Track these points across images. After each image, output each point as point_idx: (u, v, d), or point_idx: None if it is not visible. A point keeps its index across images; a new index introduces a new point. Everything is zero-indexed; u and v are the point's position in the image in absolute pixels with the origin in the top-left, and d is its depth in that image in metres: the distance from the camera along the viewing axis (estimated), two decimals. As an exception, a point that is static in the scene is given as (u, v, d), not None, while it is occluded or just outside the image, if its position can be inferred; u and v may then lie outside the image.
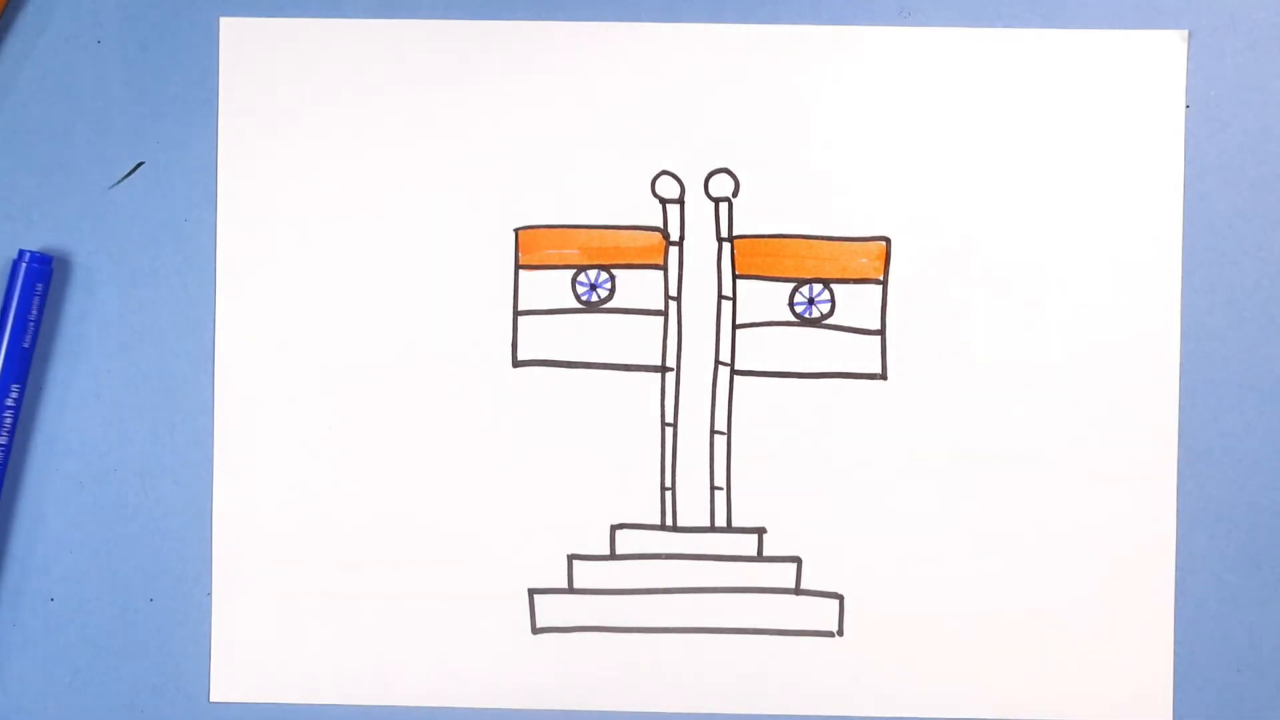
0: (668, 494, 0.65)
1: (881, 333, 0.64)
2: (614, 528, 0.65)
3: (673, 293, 0.65)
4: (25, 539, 0.65)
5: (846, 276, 0.64)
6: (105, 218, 0.65)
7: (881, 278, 0.64)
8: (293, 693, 0.65)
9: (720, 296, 0.65)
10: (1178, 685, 0.64)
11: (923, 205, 0.64)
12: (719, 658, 0.64)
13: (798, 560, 0.64)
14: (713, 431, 0.64)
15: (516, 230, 0.65)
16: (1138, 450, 0.64)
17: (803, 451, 0.64)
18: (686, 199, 0.65)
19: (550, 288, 0.65)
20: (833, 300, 0.64)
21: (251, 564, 0.64)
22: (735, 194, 0.64)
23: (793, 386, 0.64)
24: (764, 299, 0.64)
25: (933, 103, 0.64)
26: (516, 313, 0.65)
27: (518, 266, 0.65)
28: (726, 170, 0.65)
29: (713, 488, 0.65)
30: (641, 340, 0.65)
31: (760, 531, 0.64)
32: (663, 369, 0.65)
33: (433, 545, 0.64)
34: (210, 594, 0.65)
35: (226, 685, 0.65)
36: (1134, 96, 0.64)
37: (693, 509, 0.64)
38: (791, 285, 0.64)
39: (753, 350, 0.64)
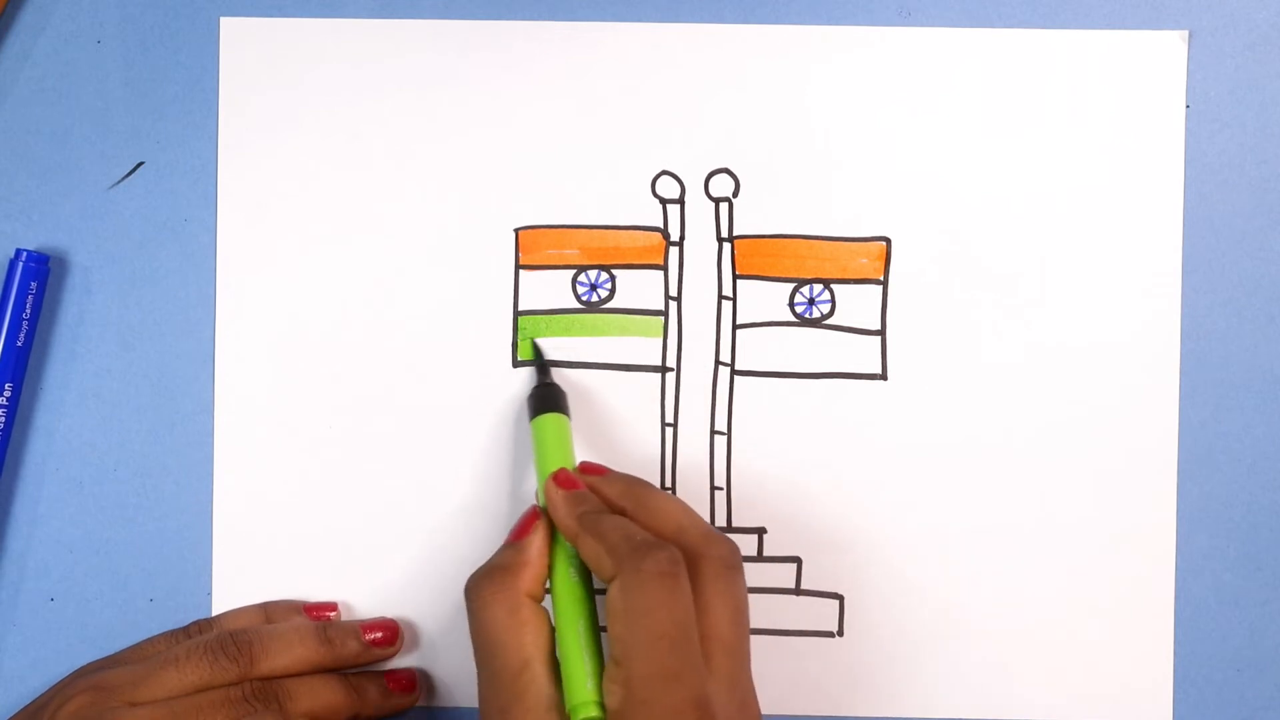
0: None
1: (881, 333, 0.64)
2: (614, 528, 0.65)
3: (673, 293, 0.65)
4: (25, 539, 0.65)
5: (846, 276, 0.64)
6: (105, 218, 0.65)
7: (881, 278, 0.64)
8: (293, 693, 0.65)
9: (720, 296, 0.64)
10: (1178, 685, 0.64)
11: (923, 205, 0.64)
12: (719, 658, 0.64)
13: (798, 560, 0.64)
14: (713, 431, 0.64)
15: (516, 230, 0.65)
16: (1138, 450, 0.64)
17: (803, 451, 0.64)
18: (686, 199, 0.65)
19: (550, 288, 0.65)
20: (833, 300, 0.64)
21: (251, 564, 0.64)
22: (735, 194, 0.64)
23: (793, 386, 0.64)
24: (764, 299, 0.64)
25: (933, 103, 0.64)
26: (516, 313, 0.65)
27: (518, 266, 0.65)
28: (726, 170, 0.65)
29: (713, 488, 0.64)
30: (641, 340, 0.65)
31: (760, 531, 0.64)
32: (663, 369, 0.65)
33: (433, 545, 0.64)
34: (210, 594, 0.64)
35: (226, 685, 0.65)
36: (1134, 96, 0.64)
37: (693, 509, 0.64)
38: (791, 285, 0.64)
39: (753, 350, 0.64)
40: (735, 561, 0.55)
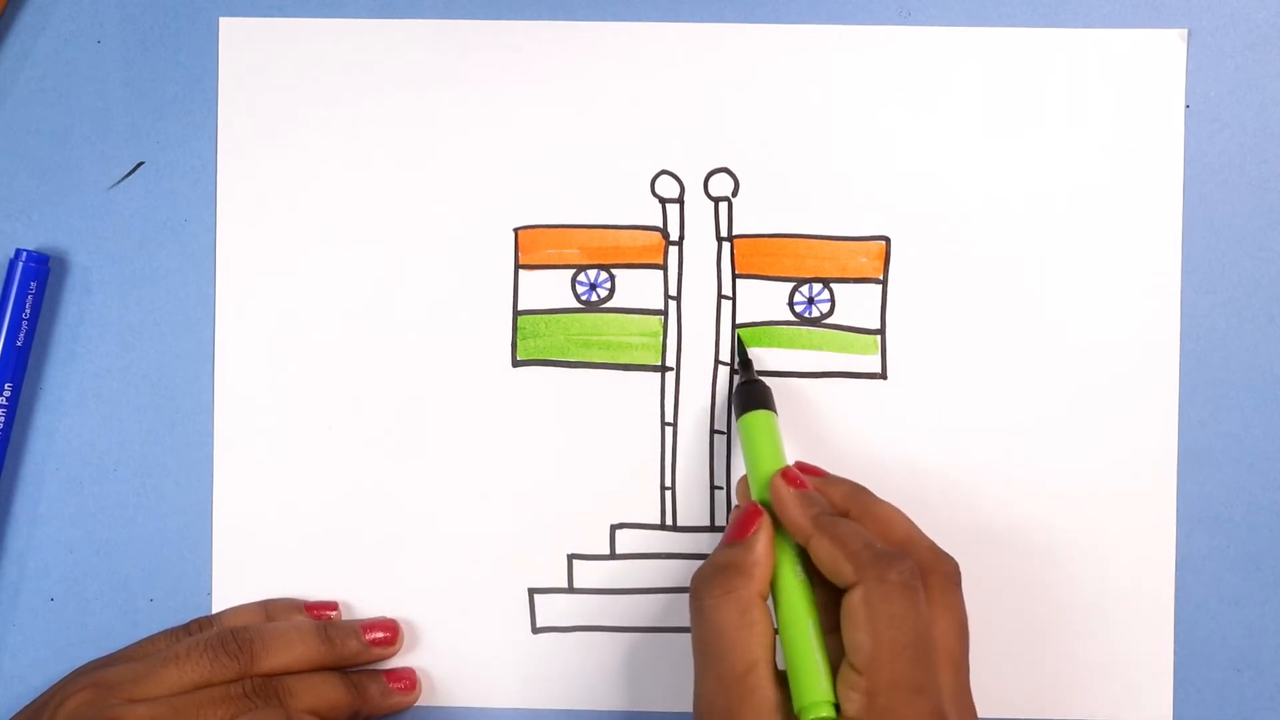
0: (668, 494, 0.65)
1: (881, 332, 0.64)
2: (614, 527, 0.65)
3: (672, 292, 0.65)
4: (25, 539, 0.65)
5: (846, 276, 0.64)
6: (105, 218, 0.65)
7: (881, 277, 0.64)
8: (292, 693, 0.65)
9: (720, 296, 0.64)
10: (1178, 685, 0.64)
11: (922, 204, 0.64)
12: (719, 657, 0.64)
13: (798, 560, 0.64)
14: (713, 431, 0.64)
15: (516, 230, 0.65)
16: (1138, 450, 0.64)
17: (802, 451, 0.64)
18: (686, 199, 0.65)
19: (550, 287, 0.65)
20: (832, 300, 0.64)
21: (251, 564, 0.64)
22: (735, 194, 0.64)
23: (793, 386, 0.64)
24: (764, 298, 0.64)
25: (933, 102, 0.64)
26: (516, 312, 0.65)
27: (518, 266, 0.65)
28: (726, 170, 0.65)
29: (712, 487, 0.65)
30: (641, 339, 0.65)
31: (760, 531, 0.64)
32: (662, 368, 0.65)
33: (433, 545, 0.64)
34: (210, 594, 0.65)
35: (226, 685, 0.65)
36: (1134, 96, 0.64)
37: (692, 509, 0.64)
38: (791, 285, 0.64)
39: (753, 350, 0.64)
40: (958, 577, 0.56)
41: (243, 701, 0.59)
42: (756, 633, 0.55)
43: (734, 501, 0.64)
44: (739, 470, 0.64)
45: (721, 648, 0.54)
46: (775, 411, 0.61)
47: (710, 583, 0.56)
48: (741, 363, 0.64)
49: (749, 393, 0.62)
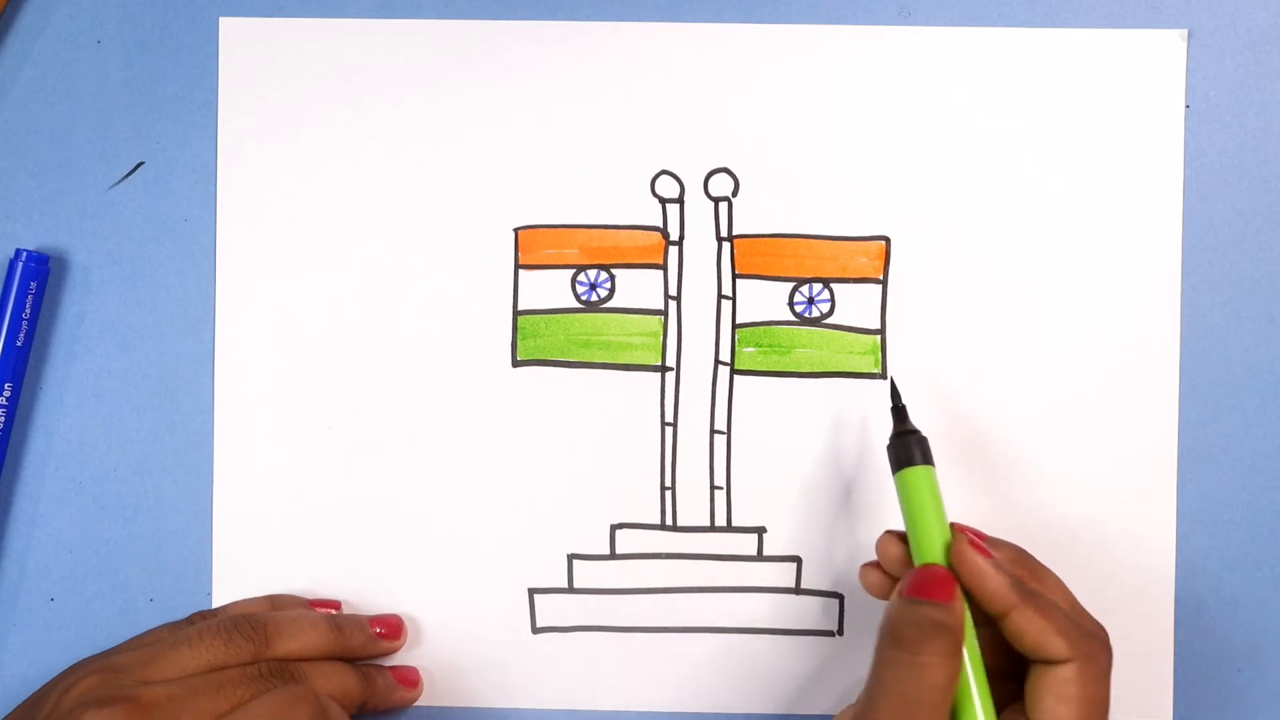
0: (668, 494, 0.65)
1: (881, 332, 0.64)
2: (614, 527, 0.65)
3: (672, 292, 0.65)
4: (25, 539, 0.65)
5: (846, 276, 0.64)
6: (105, 218, 0.65)
7: (881, 277, 0.64)
8: (292, 693, 0.65)
9: (720, 296, 0.65)
10: (1178, 685, 0.64)
11: (922, 204, 0.64)
12: (719, 657, 0.64)
13: (798, 560, 0.64)
14: (713, 431, 0.64)
15: (516, 230, 0.65)
16: (1138, 450, 0.64)
17: (803, 451, 0.64)
18: (686, 199, 0.65)
19: (550, 287, 0.65)
20: (832, 299, 0.64)
21: (251, 564, 0.64)
22: (735, 194, 0.64)
23: (793, 386, 0.64)
24: (764, 298, 0.64)
25: (933, 102, 0.64)
26: (516, 312, 0.65)
27: (518, 266, 0.65)
28: (726, 170, 0.65)
29: (713, 487, 0.65)
30: (641, 339, 0.65)
31: (760, 531, 0.64)
32: (662, 368, 0.65)
33: (433, 545, 0.64)
34: (210, 594, 0.65)
35: (226, 685, 0.65)
36: (1134, 96, 0.64)
37: (693, 509, 0.64)
38: (791, 285, 0.64)
39: (752, 350, 0.64)
40: (1111, 658, 0.57)
41: (262, 682, 0.58)
42: (953, 697, 0.55)
43: (733, 502, 0.64)
44: (739, 470, 0.64)
45: (929, 706, 0.54)
46: (934, 464, 0.59)
47: (934, 641, 0.54)
48: (895, 410, 0.60)
49: (907, 445, 0.59)
